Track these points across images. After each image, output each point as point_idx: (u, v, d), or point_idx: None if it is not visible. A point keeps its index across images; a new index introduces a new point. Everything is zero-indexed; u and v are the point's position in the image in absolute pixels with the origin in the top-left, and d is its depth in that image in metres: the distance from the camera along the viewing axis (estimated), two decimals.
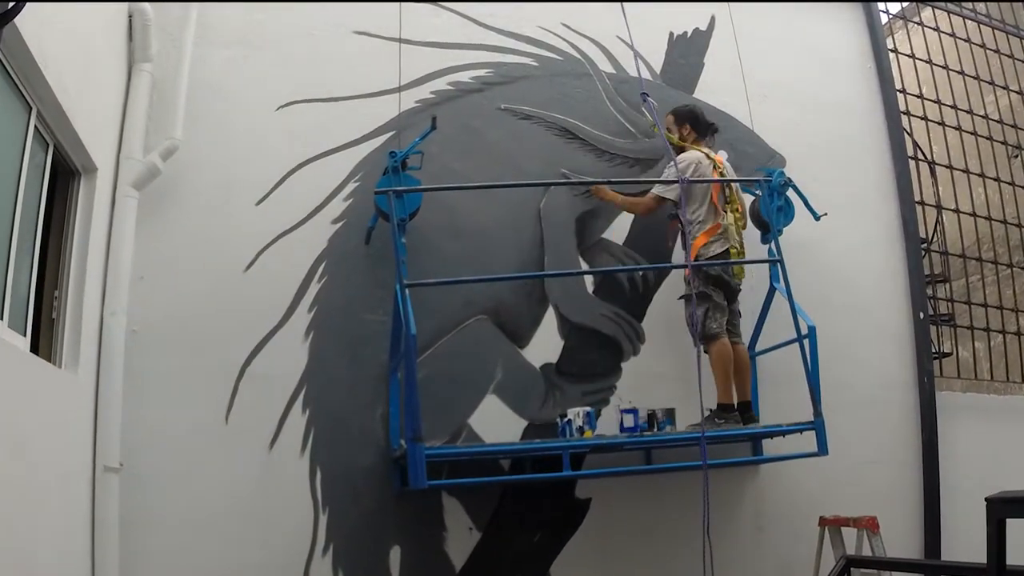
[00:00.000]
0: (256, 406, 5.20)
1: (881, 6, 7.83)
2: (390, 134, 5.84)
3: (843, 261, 6.62)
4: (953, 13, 8.27)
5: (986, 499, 5.67)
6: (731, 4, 7.02)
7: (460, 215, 5.81)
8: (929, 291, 7.19)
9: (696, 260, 5.41)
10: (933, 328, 7.02)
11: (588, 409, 5.31)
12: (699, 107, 6.08)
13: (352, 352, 5.45)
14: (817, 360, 5.25)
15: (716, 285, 5.47)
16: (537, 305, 5.88)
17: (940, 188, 7.72)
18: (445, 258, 5.64)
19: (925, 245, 7.30)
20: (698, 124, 5.88)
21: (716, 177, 5.55)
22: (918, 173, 7.41)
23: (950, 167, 7.71)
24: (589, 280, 6.03)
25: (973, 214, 7.75)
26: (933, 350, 6.85)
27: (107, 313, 4.92)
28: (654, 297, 6.11)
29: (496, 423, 5.56)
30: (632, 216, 6.10)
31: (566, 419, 5.34)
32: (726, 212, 5.54)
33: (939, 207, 7.59)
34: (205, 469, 5.02)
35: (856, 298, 6.61)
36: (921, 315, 6.74)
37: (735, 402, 5.40)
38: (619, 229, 6.13)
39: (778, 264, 5.52)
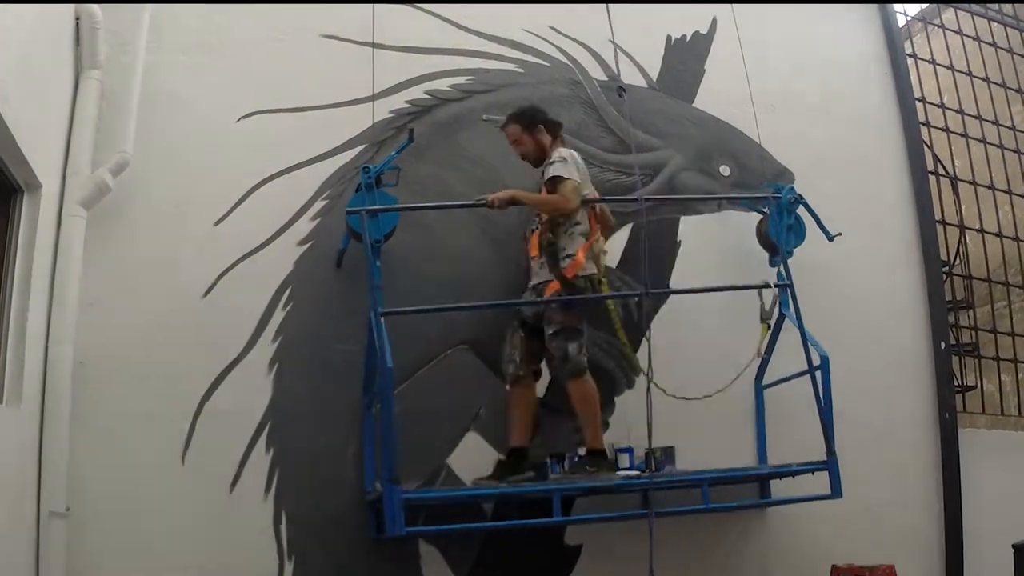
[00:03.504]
0: (215, 445, 5.30)
1: (899, 8, 7.98)
2: (362, 147, 5.97)
3: (857, 286, 6.71)
4: (977, 15, 8.36)
5: (1013, 546, 5.87)
6: (735, 5, 7.11)
7: (440, 236, 5.96)
8: (951, 318, 7.26)
9: (574, 279, 5.36)
10: (955, 359, 7.12)
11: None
12: (533, 103, 6.00)
13: (321, 386, 5.56)
14: (830, 394, 5.36)
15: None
16: None
17: (963, 206, 7.82)
18: (424, 283, 5.76)
19: (946, 268, 7.40)
20: (550, 122, 5.73)
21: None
22: (939, 190, 7.54)
23: (974, 183, 7.82)
24: None
25: (999, 234, 7.85)
26: (955, 383, 6.96)
27: (52, 343, 5.00)
28: (651, 325, 6.16)
29: (477, 463, 5.66)
30: (626, 238, 6.32)
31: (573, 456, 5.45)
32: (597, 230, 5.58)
33: (962, 227, 7.70)
34: (160, 514, 5.10)
35: (871, 326, 6.69)
36: (942, 345, 6.83)
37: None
38: (612, 251, 6.24)
39: (787, 289, 5.65)
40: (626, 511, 5.62)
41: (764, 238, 6.18)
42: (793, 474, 5.48)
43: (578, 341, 5.32)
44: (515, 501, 5.44)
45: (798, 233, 6.12)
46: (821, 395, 5.33)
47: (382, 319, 4.87)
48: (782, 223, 5.97)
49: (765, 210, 6.15)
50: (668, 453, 5.53)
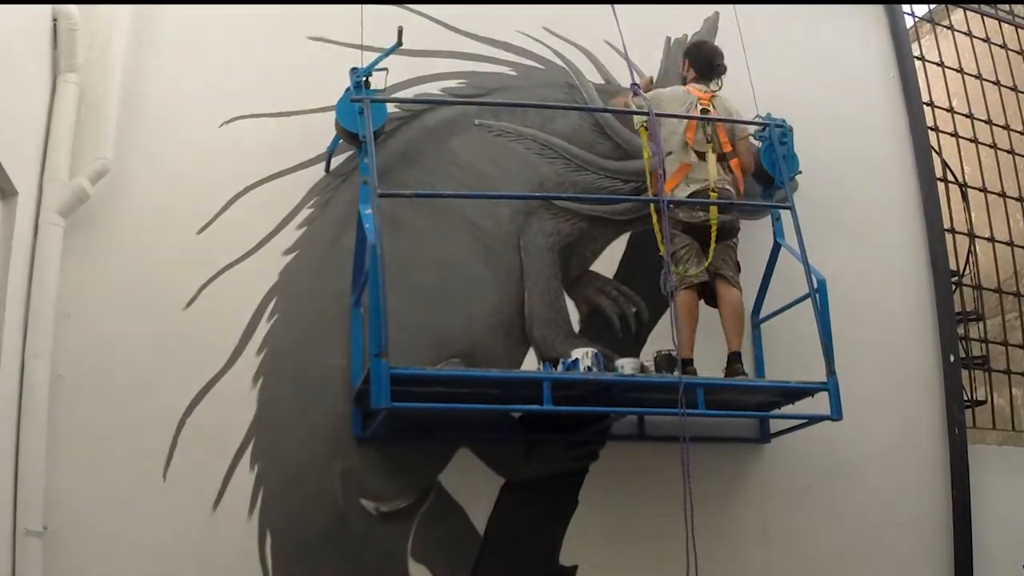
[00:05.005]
0: (198, 461, 5.32)
1: (906, 8, 8.03)
2: (349, 153, 5.98)
3: (862, 297, 6.69)
4: (988, 16, 8.45)
5: None
6: (736, 6, 7.16)
7: (430, 244, 6.02)
8: (960, 330, 7.29)
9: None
10: (965, 372, 7.15)
11: (595, 351, 5.49)
12: (708, 44, 6.43)
13: (306, 400, 5.60)
14: (828, 316, 5.50)
15: (685, 232, 5.75)
16: (516, 347, 6.07)
17: (973, 214, 7.89)
18: (414, 292, 5.80)
19: (956, 278, 7.45)
20: (695, 61, 6.29)
21: (697, 114, 5.89)
22: (948, 197, 7.60)
23: (984, 190, 7.90)
24: (575, 319, 6.23)
25: (1010, 243, 7.92)
26: (965, 397, 6.98)
27: (29, 356, 5.03)
28: (649, 337, 6.29)
29: (470, 480, 5.73)
30: (623, 249, 6.39)
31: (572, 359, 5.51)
32: (702, 154, 5.84)
33: (971, 235, 7.76)
34: (140, 533, 5.12)
35: (878, 339, 6.71)
36: (951, 357, 6.86)
37: (691, 356, 5.61)
38: (608, 262, 6.36)
39: (787, 214, 5.81)
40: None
41: (758, 172, 6.29)
42: (790, 394, 5.65)
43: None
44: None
45: (791, 162, 6.26)
46: (819, 318, 5.50)
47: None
48: (778, 154, 6.10)
49: (757, 142, 6.31)
50: (671, 361, 5.54)
